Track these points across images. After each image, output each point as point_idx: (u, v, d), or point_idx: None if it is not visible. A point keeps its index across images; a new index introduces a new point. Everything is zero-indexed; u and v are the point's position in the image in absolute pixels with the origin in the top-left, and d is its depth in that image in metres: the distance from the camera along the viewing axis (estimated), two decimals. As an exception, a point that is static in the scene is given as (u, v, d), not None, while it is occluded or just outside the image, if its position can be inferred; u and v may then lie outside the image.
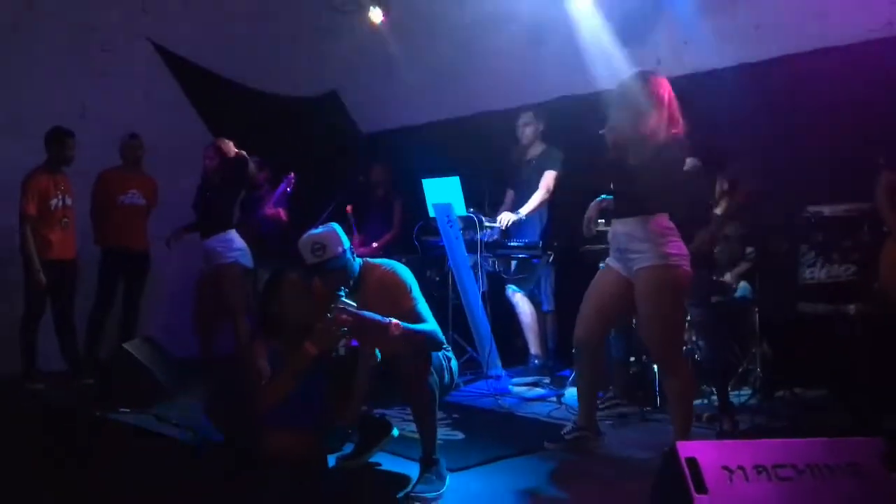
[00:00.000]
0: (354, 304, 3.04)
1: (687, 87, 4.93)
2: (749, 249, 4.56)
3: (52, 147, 5.19)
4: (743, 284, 4.53)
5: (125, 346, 4.68)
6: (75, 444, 4.41)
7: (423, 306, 3.24)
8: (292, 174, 5.76)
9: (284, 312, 3.17)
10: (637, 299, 3.30)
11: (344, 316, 2.99)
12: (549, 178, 5.15)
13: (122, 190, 5.55)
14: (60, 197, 5.21)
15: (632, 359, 4.38)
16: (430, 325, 3.20)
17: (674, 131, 3.28)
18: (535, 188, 5.15)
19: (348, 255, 3.22)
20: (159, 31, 6.25)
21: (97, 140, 5.65)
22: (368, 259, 3.41)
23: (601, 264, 3.79)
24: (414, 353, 3.07)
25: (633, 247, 3.29)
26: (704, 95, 4.83)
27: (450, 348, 3.44)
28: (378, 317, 3.02)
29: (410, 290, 3.25)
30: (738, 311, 4.38)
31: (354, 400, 3.20)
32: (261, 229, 5.86)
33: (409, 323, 3.07)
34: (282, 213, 5.92)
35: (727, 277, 4.46)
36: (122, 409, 4.32)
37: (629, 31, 5.36)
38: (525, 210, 5.07)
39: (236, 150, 5.16)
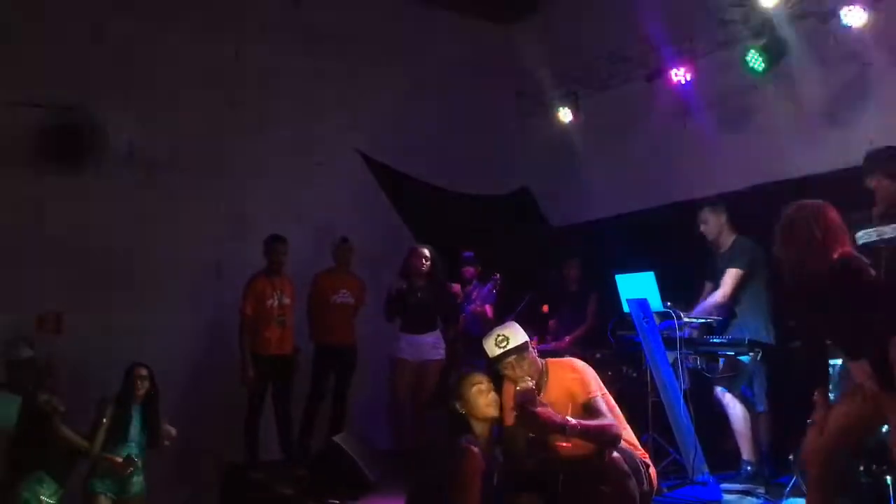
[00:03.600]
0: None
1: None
2: None
3: (266, 252, 5.74)
4: None
5: (335, 438, 4.97)
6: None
7: (600, 401, 3.25)
8: (498, 275, 5.92)
9: (468, 412, 3.27)
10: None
11: (527, 403, 3.08)
12: (728, 280, 4.79)
13: (334, 290, 5.98)
14: (277, 297, 5.68)
15: (860, 468, 3.92)
16: (607, 419, 3.18)
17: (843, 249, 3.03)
18: None
19: (530, 347, 3.35)
20: (366, 142, 6.86)
21: (312, 243, 6.23)
22: (550, 359, 3.49)
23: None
24: (598, 450, 3.07)
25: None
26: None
27: (647, 455, 3.34)
28: (555, 416, 3.08)
29: (589, 383, 3.29)
30: None
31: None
32: (466, 325, 6.04)
33: (586, 417, 3.12)
34: (488, 309, 6.08)
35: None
36: (330, 501, 4.55)
37: (835, 112, 5.10)
38: (696, 315, 4.80)
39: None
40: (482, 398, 3.29)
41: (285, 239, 5.77)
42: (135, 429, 4.62)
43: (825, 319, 3.07)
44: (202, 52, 6.02)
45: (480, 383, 3.32)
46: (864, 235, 3.73)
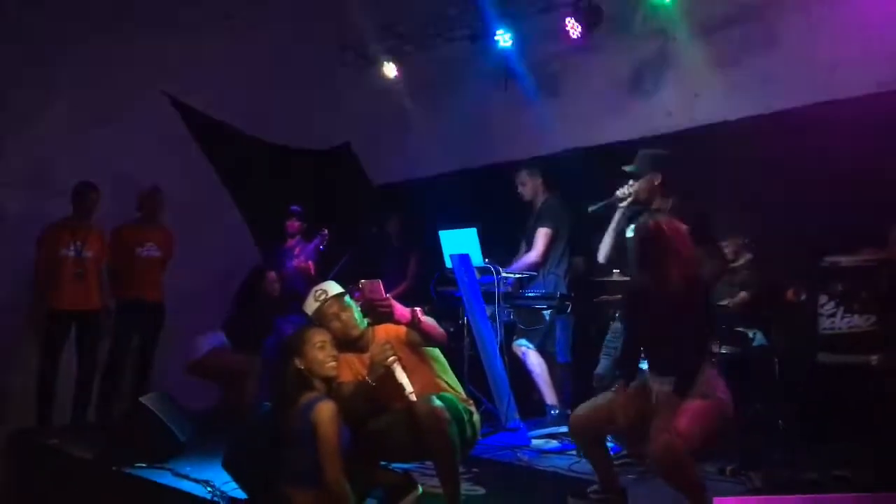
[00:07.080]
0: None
1: (697, 139, 5.05)
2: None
3: (73, 200, 5.32)
4: (758, 334, 4.50)
5: (142, 399, 4.65)
6: (91, 499, 4.38)
7: None
8: (326, 230, 5.78)
9: (308, 368, 3.18)
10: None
11: (374, 296, 3.24)
12: (539, 239, 5.06)
13: (139, 242, 5.59)
14: (74, 248, 5.25)
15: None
16: None
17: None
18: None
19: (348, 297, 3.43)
20: (177, 87, 6.38)
21: (117, 193, 5.73)
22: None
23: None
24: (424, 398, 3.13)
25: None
26: (715, 148, 4.90)
27: (471, 402, 3.45)
28: (404, 308, 3.31)
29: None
30: (757, 361, 4.34)
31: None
32: (289, 282, 5.87)
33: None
34: (311, 266, 5.93)
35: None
36: (138, 464, 4.28)
37: (639, 83, 5.46)
38: (512, 272, 5.00)
39: None
40: (323, 354, 3.20)
41: (90, 184, 5.35)
42: None
43: (654, 331, 3.16)
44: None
45: (322, 339, 3.24)
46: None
